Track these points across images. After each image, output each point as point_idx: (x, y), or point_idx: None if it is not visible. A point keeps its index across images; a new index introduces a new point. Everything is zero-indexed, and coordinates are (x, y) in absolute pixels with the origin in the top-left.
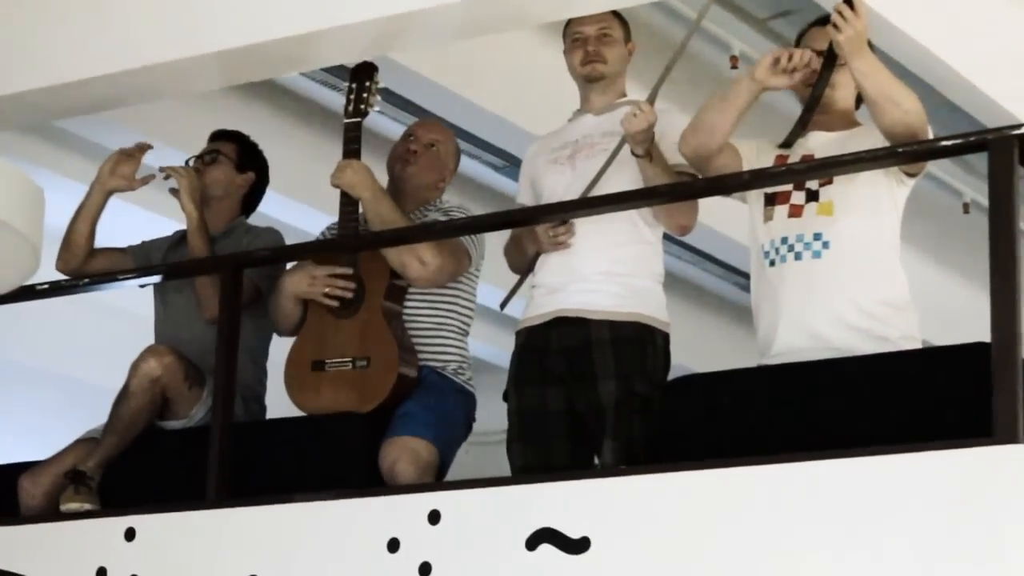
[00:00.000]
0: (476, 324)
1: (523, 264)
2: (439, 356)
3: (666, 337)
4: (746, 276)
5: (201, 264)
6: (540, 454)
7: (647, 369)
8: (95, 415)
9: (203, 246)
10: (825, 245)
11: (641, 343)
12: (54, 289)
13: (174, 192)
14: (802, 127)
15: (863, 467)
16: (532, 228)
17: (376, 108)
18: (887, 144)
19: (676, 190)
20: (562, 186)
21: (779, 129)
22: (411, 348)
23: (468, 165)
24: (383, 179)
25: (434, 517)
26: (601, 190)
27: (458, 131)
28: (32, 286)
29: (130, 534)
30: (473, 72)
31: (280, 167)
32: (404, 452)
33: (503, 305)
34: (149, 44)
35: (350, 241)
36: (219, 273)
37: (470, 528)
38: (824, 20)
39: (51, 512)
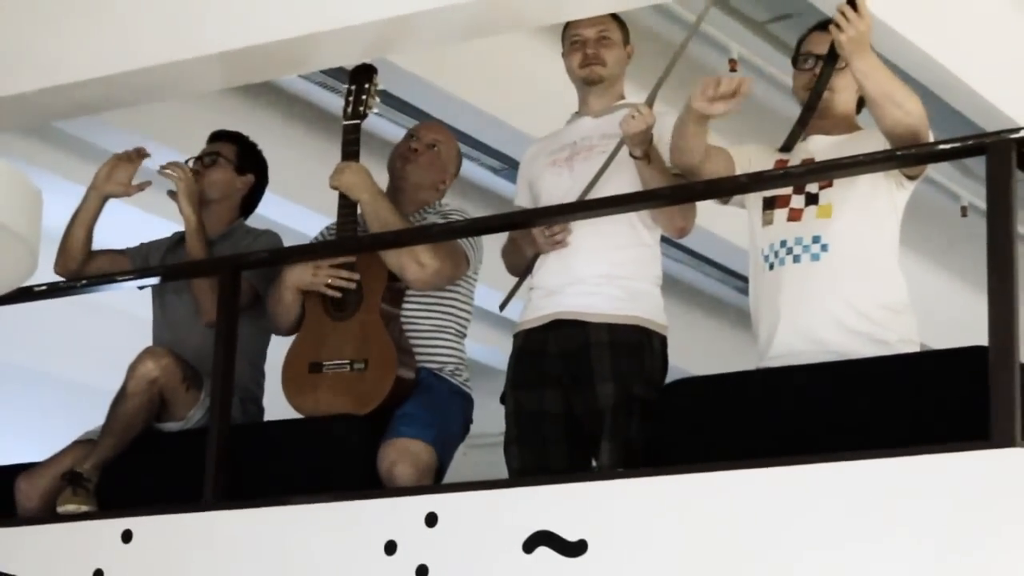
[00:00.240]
0: (474, 326)
1: (521, 266)
2: (437, 358)
3: (664, 340)
4: (744, 279)
5: (199, 266)
6: (537, 456)
7: (645, 372)
8: (92, 417)
9: (201, 250)
10: (824, 248)
11: (639, 346)
12: (52, 290)
13: (172, 195)
14: (801, 128)
15: (861, 470)
16: (529, 230)
17: (375, 110)
18: (887, 148)
19: (675, 193)
20: (560, 188)
21: (779, 133)
22: (409, 350)
23: (466, 167)
24: (382, 181)
25: (431, 519)
26: (599, 192)
27: (457, 133)
28: (30, 287)
29: (127, 536)
30: (472, 74)
31: (279, 169)
32: (403, 454)
33: (502, 307)
34: (147, 45)
35: (348, 243)
36: (217, 275)
37: (467, 530)
38: (824, 24)
39: (48, 514)
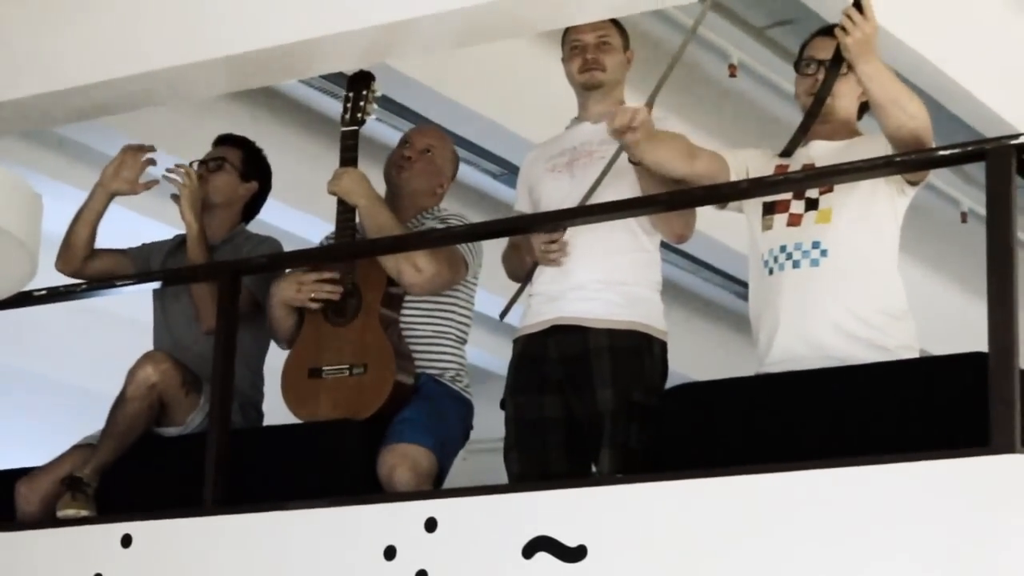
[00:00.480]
0: (474, 332)
1: (522, 272)
2: (436, 363)
3: (664, 345)
4: (744, 285)
5: (199, 270)
6: (537, 462)
7: (645, 377)
8: (92, 421)
9: (202, 257)
10: (823, 253)
11: (639, 351)
12: (52, 295)
13: (175, 198)
14: (803, 132)
15: (861, 476)
16: (529, 237)
17: (373, 116)
18: (888, 154)
19: (674, 198)
20: (560, 193)
21: (776, 138)
22: (408, 355)
23: (466, 172)
24: (380, 187)
25: (431, 525)
26: (599, 198)
27: (456, 138)
28: (29, 292)
29: (127, 541)
30: (471, 80)
31: (278, 174)
32: (403, 459)
33: (503, 315)
34: (147, 51)
35: (347, 248)
36: (217, 280)
37: (467, 536)
38: (828, 30)
39: (48, 518)
